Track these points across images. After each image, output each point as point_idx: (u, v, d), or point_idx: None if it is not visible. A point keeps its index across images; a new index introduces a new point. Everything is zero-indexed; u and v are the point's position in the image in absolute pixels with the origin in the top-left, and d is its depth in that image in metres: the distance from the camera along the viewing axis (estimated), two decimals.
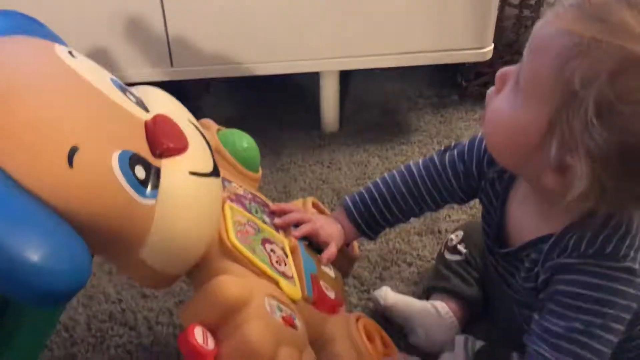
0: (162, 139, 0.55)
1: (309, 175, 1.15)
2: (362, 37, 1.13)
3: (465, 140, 0.75)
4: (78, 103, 0.51)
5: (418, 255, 0.94)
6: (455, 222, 0.99)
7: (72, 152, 0.47)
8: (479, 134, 0.72)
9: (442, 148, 0.77)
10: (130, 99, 0.58)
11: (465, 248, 0.83)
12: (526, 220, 0.65)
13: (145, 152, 0.54)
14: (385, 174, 0.78)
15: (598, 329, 0.57)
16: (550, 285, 0.60)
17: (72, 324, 0.86)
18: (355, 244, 0.83)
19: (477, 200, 0.74)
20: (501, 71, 0.58)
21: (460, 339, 0.76)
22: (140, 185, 0.51)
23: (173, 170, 0.55)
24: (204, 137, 0.62)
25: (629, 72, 0.48)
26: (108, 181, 0.49)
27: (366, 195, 0.77)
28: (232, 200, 0.67)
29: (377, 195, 0.76)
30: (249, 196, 0.71)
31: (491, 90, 0.60)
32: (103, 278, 0.93)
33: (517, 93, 0.55)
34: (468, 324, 0.81)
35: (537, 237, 0.62)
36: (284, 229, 0.72)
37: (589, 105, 0.49)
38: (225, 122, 0.83)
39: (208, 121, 0.77)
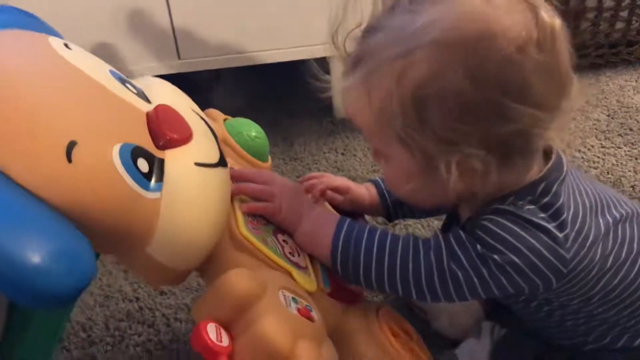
0: (165, 130, 0.53)
1: (323, 163, 1.13)
2: None
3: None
4: (74, 95, 0.49)
5: None
6: None
7: (71, 146, 0.45)
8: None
9: None
10: (130, 90, 0.56)
11: None
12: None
13: (148, 144, 0.52)
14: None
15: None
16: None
17: (90, 324, 0.85)
18: None
19: None
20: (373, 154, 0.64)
21: (487, 325, 0.73)
22: (143, 178, 0.49)
23: (177, 161, 0.52)
24: (209, 126, 0.60)
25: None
26: (109, 175, 0.47)
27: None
28: None
29: None
30: None
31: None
32: (119, 277, 0.91)
33: (381, 157, 0.60)
34: (493, 309, 0.78)
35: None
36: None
37: (408, 107, 0.52)
38: (235, 112, 0.81)
39: (214, 111, 0.75)
